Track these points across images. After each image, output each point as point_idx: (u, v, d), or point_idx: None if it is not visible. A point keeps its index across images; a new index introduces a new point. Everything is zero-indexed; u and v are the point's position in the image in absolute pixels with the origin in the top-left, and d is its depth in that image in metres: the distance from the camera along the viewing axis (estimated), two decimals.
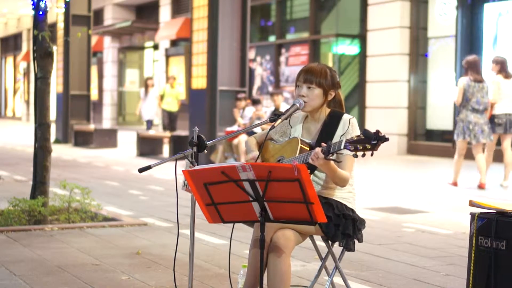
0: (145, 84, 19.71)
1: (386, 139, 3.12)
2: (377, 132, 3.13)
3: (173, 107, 19.05)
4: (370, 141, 3.13)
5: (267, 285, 3.45)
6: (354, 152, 3.17)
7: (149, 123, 19.50)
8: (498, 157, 10.75)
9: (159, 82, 25.56)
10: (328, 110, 3.75)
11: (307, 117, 3.81)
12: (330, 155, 3.32)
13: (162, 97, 19.14)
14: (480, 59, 10.14)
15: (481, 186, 9.86)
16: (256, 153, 3.78)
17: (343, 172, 3.54)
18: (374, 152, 3.15)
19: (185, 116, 21.14)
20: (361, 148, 3.15)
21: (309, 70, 3.69)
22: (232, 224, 3.39)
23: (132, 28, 26.44)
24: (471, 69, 9.83)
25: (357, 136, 3.18)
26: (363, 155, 3.17)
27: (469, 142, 9.94)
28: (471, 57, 10.03)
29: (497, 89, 9.99)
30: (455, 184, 10.13)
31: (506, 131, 10.07)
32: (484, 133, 9.82)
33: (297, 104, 3.65)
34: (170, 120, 19.17)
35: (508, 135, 10.14)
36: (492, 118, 10.01)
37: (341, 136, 3.61)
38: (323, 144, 3.37)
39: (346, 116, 3.68)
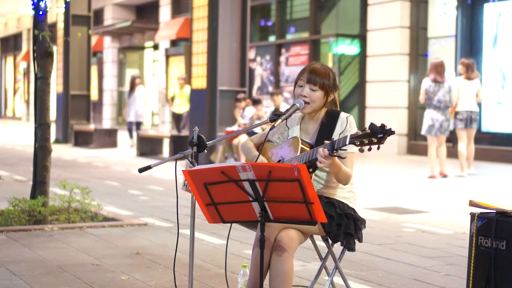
0: (132, 83, 18.18)
1: (392, 132, 3.12)
2: (383, 125, 3.13)
3: (183, 109, 17.71)
4: (376, 134, 3.12)
5: (269, 284, 3.45)
6: (360, 147, 3.16)
7: (138, 125, 17.83)
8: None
9: (159, 82, 25.56)
10: (324, 109, 3.75)
11: (303, 117, 3.80)
12: (335, 151, 3.31)
13: (172, 99, 17.97)
14: (443, 62, 11.21)
15: (431, 177, 11.00)
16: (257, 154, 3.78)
17: (347, 170, 3.54)
18: (381, 145, 3.14)
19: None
20: (367, 142, 3.14)
21: (313, 71, 3.67)
22: (230, 224, 3.39)
23: (132, 28, 26.43)
24: (432, 71, 11.06)
25: (363, 130, 3.17)
26: (369, 149, 3.16)
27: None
28: (434, 60, 11.26)
29: (457, 89, 11.11)
30: (433, 177, 11.03)
31: (466, 126, 11.17)
32: (442, 128, 11.00)
33: (297, 104, 3.65)
34: (178, 122, 17.95)
35: (470, 130, 11.25)
36: (455, 115, 11.17)
37: (340, 134, 3.60)
38: (326, 142, 3.36)
39: (343, 115, 3.68)
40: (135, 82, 17.89)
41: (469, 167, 11.37)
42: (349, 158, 3.58)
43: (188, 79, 16.79)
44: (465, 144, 11.21)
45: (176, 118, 17.98)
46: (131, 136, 17.85)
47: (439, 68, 11.00)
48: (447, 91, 10.93)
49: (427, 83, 11.03)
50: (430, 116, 11.00)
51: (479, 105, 11.42)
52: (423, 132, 11.25)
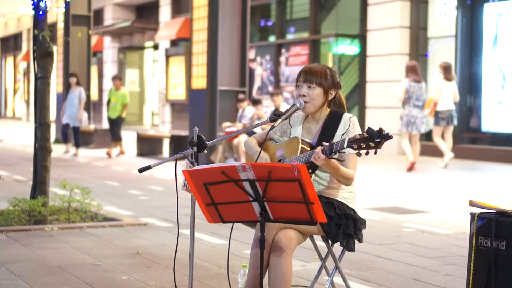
0: (67, 83, 15.57)
1: (390, 137, 3.12)
2: (380, 130, 3.13)
3: (115, 112, 15.44)
4: (374, 139, 3.12)
5: (268, 285, 3.45)
6: (357, 151, 3.17)
7: (75, 130, 15.55)
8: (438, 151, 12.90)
9: (159, 82, 25.56)
10: (329, 110, 3.75)
11: (307, 116, 3.81)
12: (333, 154, 3.32)
13: (108, 102, 15.71)
14: (417, 64, 12.20)
15: (410, 167, 11.90)
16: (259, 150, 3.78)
17: (347, 171, 3.53)
18: (378, 150, 3.15)
19: (185, 116, 21.13)
20: (364, 146, 3.14)
21: (309, 70, 3.69)
22: (232, 224, 3.39)
23: (132, 28, 26.44)
24: (410, 72, 11.92)
25: (360, 134, 3.17)
26: (367, 153, 3.17)
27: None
28: (410, 63, 12.26)
29: (438, 89, 12.07)
30: (412, 166, 11.97)
31: (448, 123, 12.12)
32: (423, 124, 11.96)
33: (297, 104, 3.65)
34: (112, 128, 15.57)
35: (450, 127, 12.19)
36: (436, 113, 12.07)
37: (342, 135, 3.60)
38: (325, 144, 3.36)
39: (346, 115, 3.68)
40: (69, 82, 15.57)
41: (446, 155, 12.23)
42: (352, 159, 3.58)
43: (188, 78, 16.65)
44: (440, 138, 12.26)
45: (110, 124, 15.67)
46: (65, 140, 15.57)
47: (416, 69, 11.94)
48: (424, 90, 11.94)
49: (406, 83, 11.85)
50: (411, 114, 11.87)
51: (455, 104, 12.42)
52: (402, 128, 12.01)
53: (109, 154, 15.22)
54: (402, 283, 4.76)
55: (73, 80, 15.51)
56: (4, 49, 43.31)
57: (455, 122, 12.26)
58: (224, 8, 13.09)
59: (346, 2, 18.26)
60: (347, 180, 3.55)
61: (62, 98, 15.73)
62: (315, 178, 3.66)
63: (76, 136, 15.58)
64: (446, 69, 12.14)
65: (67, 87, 15.73)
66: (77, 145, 15.63)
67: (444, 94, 12.03)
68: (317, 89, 3.66)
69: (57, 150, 14.73)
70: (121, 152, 15.43)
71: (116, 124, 15.48)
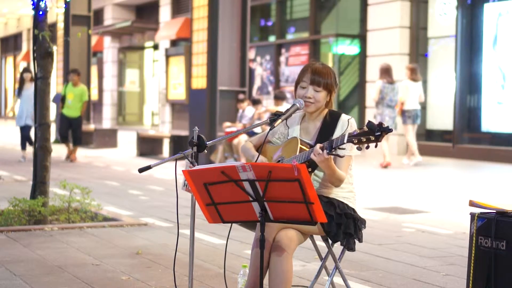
0: (21, 78, 13.86)
1: (390, 130, 3.14)
2: (380, 123, 3.15)
3: (75, 111, 14.27)
4: (374, 132, 3.14)
5: (269, 285, 3.45)
6: (358, 145, 3.19)
7: (26, 130, 13.69)
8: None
9: (159, 82, 25.55)
10: (326, 110, 3.75)
11: (304, 117, 3.81)
12: (333, 150, 3.32)
13: (63, 99, 14.41)
14: (391, 66, 12.76)
15: (386, 165, 12.34)
16: (256, 153, 3.79)
17: (341, 172, 3.55)
18: (378, 149, 3.16)
19: (185, 116, 21.13)
20: (364, 140, 3.16)
21: (315, 71, 3.67)
22: (231, 224, 3.39)
23: (132, 28, 26.44)
24: (384, 73, 12.51)
25: (360, 128, 3.19)
26: (367, 147, 3.18)
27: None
28: (384, 65, 12.79)
29: (406, 90, 12.68)
30: (388, 164, 12.43)
31: (414, 122, 12.82)
32: (394, 124, 12.46)
33: (297, 104, 3.65)
34: (72, 129, 14.23)
35: (415, 125, 12.92)
36: (403, 113, 12.74)
37: None
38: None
39: (344, 116, 3.69)
40: (24, 77, 13.75)
41: (415, 156, 12.88)
42: (345, 160, 3.59)
43: (188, 78, 16.57)
44: (414, 137, 12.86)
45: (66, 123, 14.29)
46: (30, 143, 13.40)
47: (390, 71, 12.52)
48: (396, 91, 12.53)
49: (380, 84, 12.44)
50: (384, 113, 12.44)
51: (420, 104, 13.08)
52: None
53: (72, 159, 13.96)
54: (402, 283, 4.76)
55: (27, 76, 13.61)
56: (4, 49, 43.31)
57: (419, 121, 12.94)
58: (224, 8, 13.09)
59: (346, 2, 18.26)
60: (338, 182, 3.59)
61: (13, 95, 14.34)
62: (315, 178, 3.66)
63: (28, 136, 13.72)
64: (412, 70, 12.79)
65: (20, 83, 13.85)
66: (25, 146, 13.76)
67: (411, 94, 12.65)
68: (322, 92, 3.67)
69: (57, 150, 14.72)
70: (73, 159, 13.96)
71: (76, 124, 14.29)
